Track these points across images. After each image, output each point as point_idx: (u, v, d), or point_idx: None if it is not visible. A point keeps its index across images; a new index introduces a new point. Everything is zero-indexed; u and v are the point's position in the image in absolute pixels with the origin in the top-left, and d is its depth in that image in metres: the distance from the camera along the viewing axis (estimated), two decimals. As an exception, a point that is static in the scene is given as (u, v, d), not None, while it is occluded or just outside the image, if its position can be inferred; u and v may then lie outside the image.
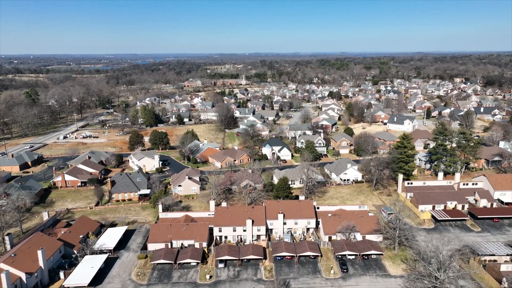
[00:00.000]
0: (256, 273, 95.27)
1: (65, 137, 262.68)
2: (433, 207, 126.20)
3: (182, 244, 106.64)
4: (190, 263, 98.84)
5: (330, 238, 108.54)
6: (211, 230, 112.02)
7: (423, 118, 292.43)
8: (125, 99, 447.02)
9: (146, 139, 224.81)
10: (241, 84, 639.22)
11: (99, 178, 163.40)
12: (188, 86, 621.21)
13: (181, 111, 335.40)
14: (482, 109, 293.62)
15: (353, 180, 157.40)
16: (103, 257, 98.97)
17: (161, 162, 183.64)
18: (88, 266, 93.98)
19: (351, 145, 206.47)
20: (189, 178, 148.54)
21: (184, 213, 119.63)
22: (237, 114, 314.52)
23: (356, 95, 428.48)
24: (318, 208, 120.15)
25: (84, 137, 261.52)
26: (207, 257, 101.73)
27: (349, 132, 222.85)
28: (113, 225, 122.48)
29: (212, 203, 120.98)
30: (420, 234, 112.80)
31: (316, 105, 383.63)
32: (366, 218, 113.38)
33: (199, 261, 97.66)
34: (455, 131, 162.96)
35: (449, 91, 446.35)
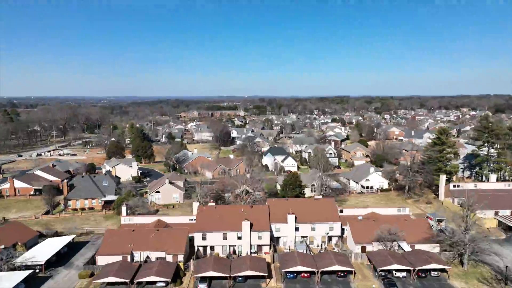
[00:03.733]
0: (256, 299, 61.14)
1: (39, 155, 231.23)
2: (496, 213, 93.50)
3: (148, 257, 73.01)
4: (155, 283, 64.85)
5: (363, 249, 75.07)
6: (192, 241, 78.67)
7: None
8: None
9: (129, 156, 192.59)
10: (239, 115, 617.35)
11: (60, 187, 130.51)
12: (184, 116, 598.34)
13: (173, 132, 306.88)
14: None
15: (377, 188, 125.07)
16: (22, 274, 65.00)
17: (140, 172, 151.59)
18: (-7, 287, 60.08)
19: (367, 156, 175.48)
20: (170, 182, 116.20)
21: (156, 218, 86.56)
22: (234, 134, 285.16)
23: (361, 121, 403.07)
24: (341, 211, 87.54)
25: (60, 155, 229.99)
26: (182, 276, 67.76)
27: (363, 143, 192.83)
28: (58, 235, 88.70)
29: (195, 206, 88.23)
30: (492, 247, 79.34)
31: (320, 130, 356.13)
32: (411, 223, 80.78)
33: (169, 280, 63.79)
34: (502, 127, 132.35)
35: (460, 115, 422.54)
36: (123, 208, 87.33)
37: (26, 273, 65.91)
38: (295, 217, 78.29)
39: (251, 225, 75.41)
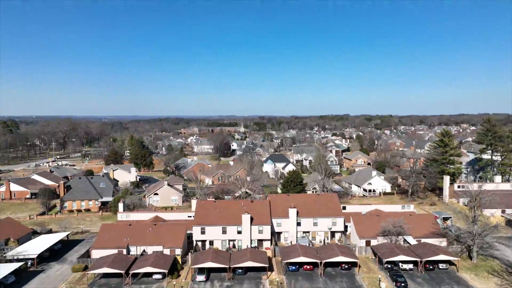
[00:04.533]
0: (257, 291, 58.35)
1: (37, 165, 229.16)
2: (503, 211, 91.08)
3: (144, 251, 70.39)
4: (151, 274, 62.09)
5: (368, 244, 72.43)
6: (190, 238, 75.93)
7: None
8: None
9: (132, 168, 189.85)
10: (239, 131, 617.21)
11: (57, 191, 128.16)
12: (184, 132, 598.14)
13: (173, 145, 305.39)
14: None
15: (380, 191, 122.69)
16: (12, 266, 62.35)
17: (139, 178, 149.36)
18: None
19: (368, 163, 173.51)
20: (169, 185, 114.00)
21: (154, 214, 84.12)
22: (234, 146, 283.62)
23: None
24: (344, 208, 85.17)
25: (58, 165, 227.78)
26: (180, 269, 65.03)
27: (365, 151, 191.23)
28: (52, 233, 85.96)
29: (194, 202, 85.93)
30: (500, 243, 76.74)
31: (320, 143, 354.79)
32: (417, 218, 78.41)
33: (166, 272, 61.06)
34: (505, 129, 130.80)
35: (460, 130, 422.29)
36: (120, 205, 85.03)
37: (17, 265, 63.33)
38: (297, 212, 75.93)
39: (252, 219, 73.05)
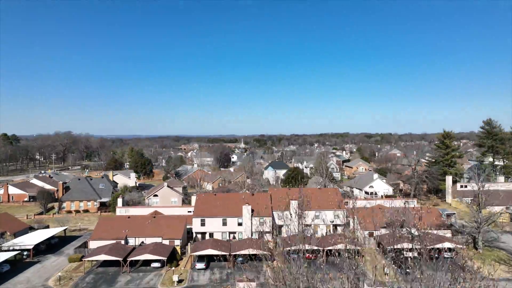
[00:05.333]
0: (258, 278, 56.71)
1: (36, 176, 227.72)
2: (507, 209, 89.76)
3: (142, 242, 69.05)
4: (150, 263, 60.72)
5: (371, 235, 71.15)
6: (190, 233, 74.58)
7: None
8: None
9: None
10: (240, 147, 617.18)
11: (55, 195, 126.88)
12: (185, 149, 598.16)
13: (173, 157, 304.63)
14: None
15: (382, 195, 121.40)
16: (7, 255, 61.14)
17: (138, 184, 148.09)
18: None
19: (370, 171, 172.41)
20: (168, 186, 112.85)
21: (153, 209, 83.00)
22: (234, 158, 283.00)
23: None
24: (346, 203, 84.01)
25: (57, 172, 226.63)
26: (179, 259, 63.63)
27: (366, 160, 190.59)
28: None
29: (194, 198, 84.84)
30: (507, 236, 75.48)
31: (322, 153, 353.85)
32: (420, 211, 77.01)
33: (165, 259, 59.71)
34: (505, 132, 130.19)
35: (461, 144, 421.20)
36: (119, 200, 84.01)
37: (12, 253, 62.06)
38: (298, 204, 74.72)
39: (252, 211, 71.97)
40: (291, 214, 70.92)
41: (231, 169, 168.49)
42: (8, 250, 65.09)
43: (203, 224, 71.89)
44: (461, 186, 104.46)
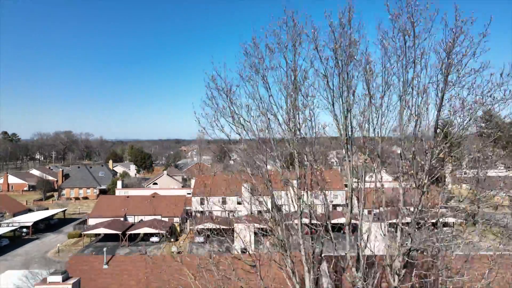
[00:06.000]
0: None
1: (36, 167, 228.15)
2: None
3: (141, 220, 69.06)
4: (149, 238, 60.76)
5: (370, 213, 71.08)
6: (189, 214, 74.65)
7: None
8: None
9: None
10: (241, 149, 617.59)
11: (55, 185, 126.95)
12: (185, 150, 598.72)
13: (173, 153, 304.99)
14: None
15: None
16: (6, 229, 61.29)
17: (138, 177, 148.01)
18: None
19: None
20: (168, 175, 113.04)
21: (152, 191, 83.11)
22: (234, 156, 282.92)
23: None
24: (345, 186, 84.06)
25: (57, 166, 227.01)
26: (178, 235, 63.69)
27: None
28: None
29: (194, 181, 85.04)
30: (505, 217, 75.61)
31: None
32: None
33: (164, 232, 59.71)
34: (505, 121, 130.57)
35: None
36: (119, 182, 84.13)
37: (12, 228, 62.09)
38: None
39: (252, 190, 71.89)
40: (287, 194, 71.22)
41: (231, 161, 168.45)
42: (7, 227, 65.20)
43: (201, 203, 71.77)
44: (461, 172, 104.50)
